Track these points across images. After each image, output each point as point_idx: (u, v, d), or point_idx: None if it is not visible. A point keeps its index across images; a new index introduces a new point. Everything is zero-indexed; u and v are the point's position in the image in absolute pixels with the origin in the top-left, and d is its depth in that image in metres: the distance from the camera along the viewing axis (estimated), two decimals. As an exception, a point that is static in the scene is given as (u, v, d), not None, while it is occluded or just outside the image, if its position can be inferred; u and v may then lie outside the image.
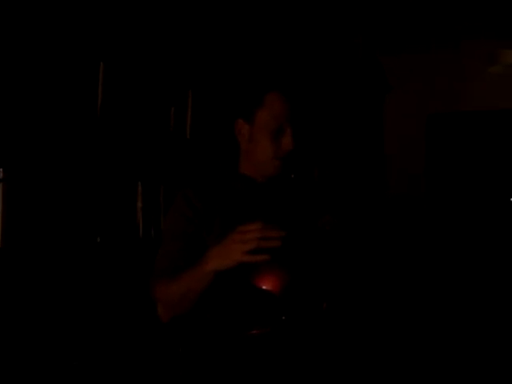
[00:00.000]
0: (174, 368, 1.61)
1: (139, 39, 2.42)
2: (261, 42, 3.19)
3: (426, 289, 4.63)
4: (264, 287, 1.39)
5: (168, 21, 2.58)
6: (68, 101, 2.06)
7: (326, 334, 1.46)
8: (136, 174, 2.40)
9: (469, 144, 5.31)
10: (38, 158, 1.94)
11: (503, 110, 5.16)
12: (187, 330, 1.56)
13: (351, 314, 1.52)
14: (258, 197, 1.57)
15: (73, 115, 2.08)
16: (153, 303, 1.50)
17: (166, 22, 2.57)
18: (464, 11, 4.51)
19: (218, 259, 1.32)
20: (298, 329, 1.41)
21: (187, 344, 1.59)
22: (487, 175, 5.21)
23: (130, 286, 2.26)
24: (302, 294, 1.41)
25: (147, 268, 1.57)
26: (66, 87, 2.05)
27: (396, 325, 3.78)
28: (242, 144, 1.59)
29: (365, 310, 1.56)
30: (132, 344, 2.26)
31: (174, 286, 1.42)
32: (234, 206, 1.54)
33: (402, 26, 4.85)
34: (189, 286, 1.39)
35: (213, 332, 1.48)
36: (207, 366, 1.50)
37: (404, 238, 5.01)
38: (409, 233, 5.09)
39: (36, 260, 1.91)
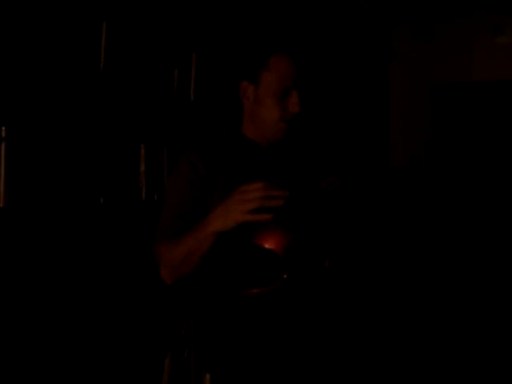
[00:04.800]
0: (177, 328, 1.63)
1: (143, -1, 2.39)
2: (266, 4, 3.15)
3: (425, 260, 4.64)
4: (266, 246, 1.39)
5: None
6: (70, 61, 2.04)
7: (327, 293, 1.47)
8: (139, 136, 2.39)
9: (474, 115, 5.27)
10: (41, 118, 1.93)
11: (509, 80, 5.12)
12: (190, 289, 1.57)
13: (353, 273, 1.53)
14: (261, 159, 1.56)
15: (75, 76, 2.07)
16: (155, 265, 1.50)
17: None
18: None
19: (220, 219, 1.32)
20: (300, 287, 1.41)
21: (189, 303, 1.60)
22: (491, 146, 5.19)
23: (131, 247, 2.27)
24: (304, 253, 1.41)
25: (149, 231, 1.57)
26: (69, 47, 2.03)
27: (395, 292, 3.81)
28: (246, 106, 1.57)
29: (365, 271, 1.57)
30: (134, 305, 2.28)
31: (176, 248, 1.42)
32: (237, 168, 1.54)
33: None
34: (191, 247, 1.39)
35: (215, 291, 1.49)
36: (209, 325, 1.52)
37: (407, 205, 5.02)
38: (411, 202, 5.10)
39: (38, 219, 1.91)
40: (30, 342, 1.85)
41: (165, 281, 1.51)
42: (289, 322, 1.43)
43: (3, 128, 1.79)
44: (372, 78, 4.93)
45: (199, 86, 2.74)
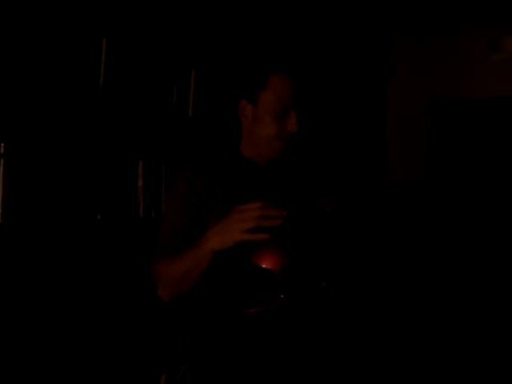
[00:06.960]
0: (173, 345, 1.64)
1: (142, 16, 2.40)
2: (265, 23, 3.17)
3: (424, 274, 4.64)
4: (263, 266, 1.39)
5: (172, -1, 2.57)
6: (70, 77, 2.05)
7: (324, 313, 1.47)
8: (137, 153, 2.39)
9: (471, 131, 5.29)
10: (40, 135, 1.93)
11: (507, 98, 5.14)
12: (187, 308, 1.57)
13: (350, 293, 1.53)
14: (258, 178, 1.57)
15: (75, 92, 2.08)
16: (153, 282, 1.50)
17: (170, 0, 2.55)
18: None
19: (217, 238, 1.32)
20: (297, 307, 1.41)
21: (186, 322, 1.60)
22: (489, 163, 5.20)
23: (129, 264, 2.27)
24: (301, 273, 1.41)
25: (147, 248, 1.57)
26: (69, 63, 2.04)
27: (393, 311, 3.80)
28: (244, 124, 1.58)
29: (363, 290, 1.57)
30: (131, 322, 2.27)
31: (174, 266, 1.42)
32: (235, 186, 1.54)
33: (406, 10, 4.82)
34: (189, 265, 1.38)
35: (212, 310, 1.49)
36: (206, 343, 1.52)
37: (404, 220, 5.02)
38: (408, 217, 5.10)
39: (36, 236, 1.91)
40: (28, 355, 1.84)
41: (162, 298, 1.50)
42: (286, 342, 1.42)
43: (2, 144, 1.79)
44: (369, 94, 4.95)
45: (198, 102, 2.75)
